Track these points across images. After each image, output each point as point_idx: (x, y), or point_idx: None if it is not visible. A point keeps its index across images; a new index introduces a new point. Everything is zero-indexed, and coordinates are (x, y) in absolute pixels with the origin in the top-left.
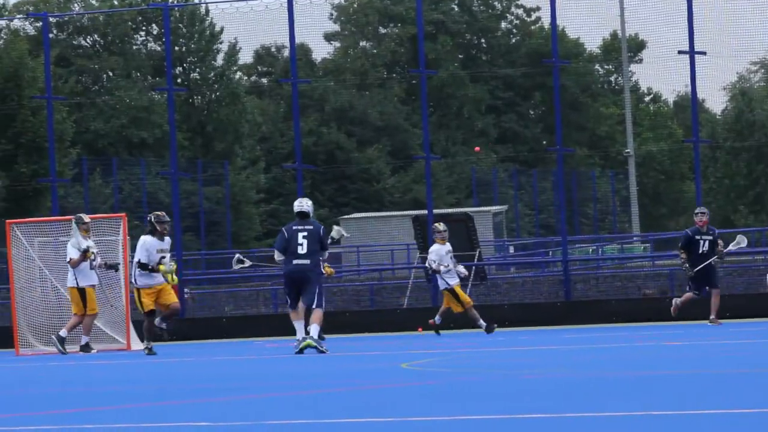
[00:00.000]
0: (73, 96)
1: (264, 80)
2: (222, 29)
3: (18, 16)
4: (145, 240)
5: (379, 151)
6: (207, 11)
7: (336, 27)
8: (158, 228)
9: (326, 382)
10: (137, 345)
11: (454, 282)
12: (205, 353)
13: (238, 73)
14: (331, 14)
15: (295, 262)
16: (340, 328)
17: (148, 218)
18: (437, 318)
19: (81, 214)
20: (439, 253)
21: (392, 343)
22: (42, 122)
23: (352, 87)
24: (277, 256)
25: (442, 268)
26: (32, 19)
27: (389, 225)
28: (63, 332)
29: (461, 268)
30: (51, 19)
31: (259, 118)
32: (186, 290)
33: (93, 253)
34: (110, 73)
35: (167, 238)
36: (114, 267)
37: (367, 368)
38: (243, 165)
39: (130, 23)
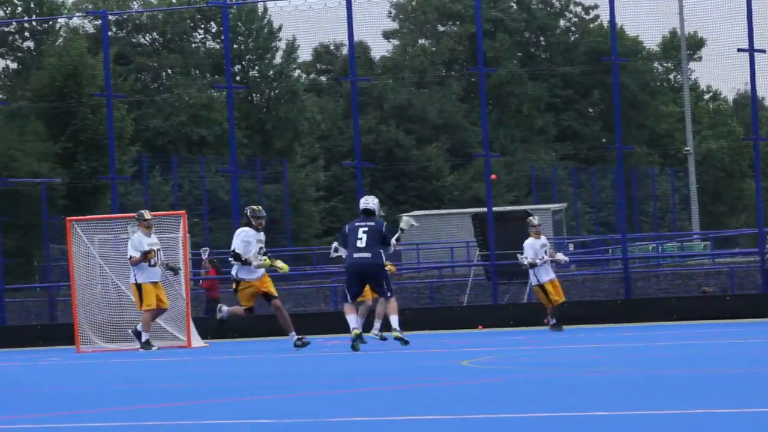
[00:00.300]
0: (133, 94)
1: (323, 78)
2: (280, 27)
3: (77, 14)
4: (246, 230)
5: (438, 149)
6: (265, 9)
7: (395, 25)
8: (254, 222)
9: (386, 379)
10: (198, 342)
11: (547, 278)
12: (266, 350)
13: (297, 71)
14: (390, 12)
15: (355, 255)
16: (400, 325)
17: (245, 212)
18: (551, 319)
19: (143, 211)
20: (534, 246)
21: (452, 341)
22: (102, 120)
23: (411, 85)
24: (334, 252)
25: (537, 261)
26: (91, 17)
27: (449, 223)
28: (140, 326)
29: (561, 256)
30: (110, 17)
31: (318, 116)
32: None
33: (154, 251)
34: (169, 71)
35: (263, 233)
36: (174, 270)
37: (428, 366)
38: (302, 163)
39: (188, 21)
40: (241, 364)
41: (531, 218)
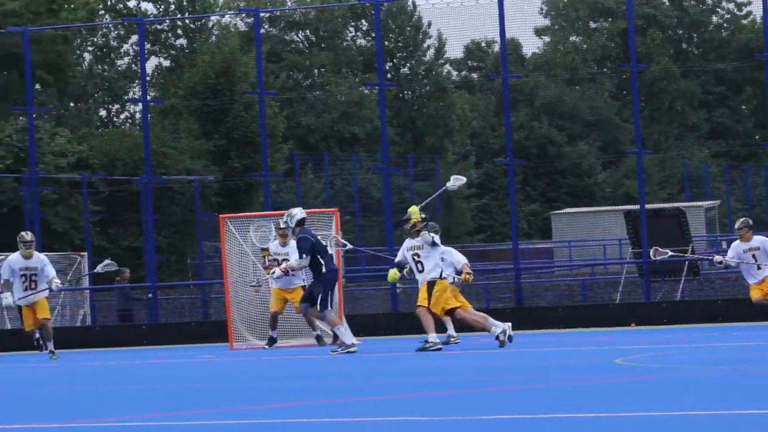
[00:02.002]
0: (285, 91)
1: (474, 75)
2: (430, 23)
3: (230, 12)
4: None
5: (590, 146)
6: (414, 6)
7: (546, 22)
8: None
9: (537, 377)
10: (351, 340)
11: (753, 281)
12: (411, 348)
13: (447, 68)
14: (542, 9)
15: (334, 262)
16: (552, 323)
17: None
18: None
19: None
20: (737, 249)
21: (605, 339)
22: (254, 117)
23: (563, 82)
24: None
25: (732, 262)
26: (244, 15)
27: (601, 220)
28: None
29: (718, 258)
30: (262, 15)
31: (469, 113)
32: (397, 285)
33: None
34: (321, 69)
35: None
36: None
37: (581, 363)
38: (454, 160)
39: (340, 19)
40: (391, 362)
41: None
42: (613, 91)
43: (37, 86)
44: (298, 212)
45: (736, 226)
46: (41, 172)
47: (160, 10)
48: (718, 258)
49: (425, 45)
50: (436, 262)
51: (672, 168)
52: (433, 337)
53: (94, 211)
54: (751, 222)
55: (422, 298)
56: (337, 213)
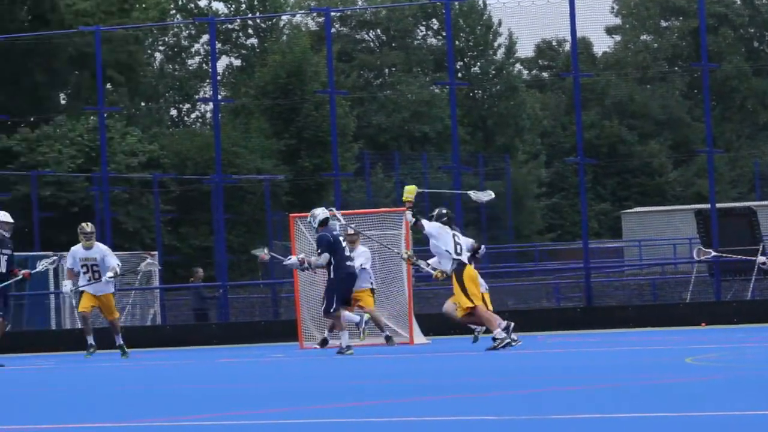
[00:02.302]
0: (355, 91)
1: (545, 74)
2: (500, 22)
3: (301, 11)
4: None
5: (661, 145)
6: (485, 5)
7: (617, 21)
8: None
9: (608, 376)
10: (420, 338)
11: None
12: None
13: (518, 67)
14: (613, 8)
15: (348, 264)
16: (622, 322)
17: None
18: None
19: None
20: None
21: (675, 338)
22: (324, 117)
23: (633, 81)
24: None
25: None
26: (315, 15)
27: (672, 219)
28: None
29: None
30: (333, 14)
31: (539, 112)
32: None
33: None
34: (392, 68)
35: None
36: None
37: (651, 363)
38: (524, 159)
39: (410, 18)
40: (461, 361)
41: None
42: (684, 90)
43: (109, 86)
44: (321, 212)
45: None
46: (112, 171)
47: (231, 9)
48: (761, 258)
49: (496, 44)
50: (439, 253)
51: (743, 167)
52: (498, 332)
53: (165, 211)
54: None
55: (464, 301)
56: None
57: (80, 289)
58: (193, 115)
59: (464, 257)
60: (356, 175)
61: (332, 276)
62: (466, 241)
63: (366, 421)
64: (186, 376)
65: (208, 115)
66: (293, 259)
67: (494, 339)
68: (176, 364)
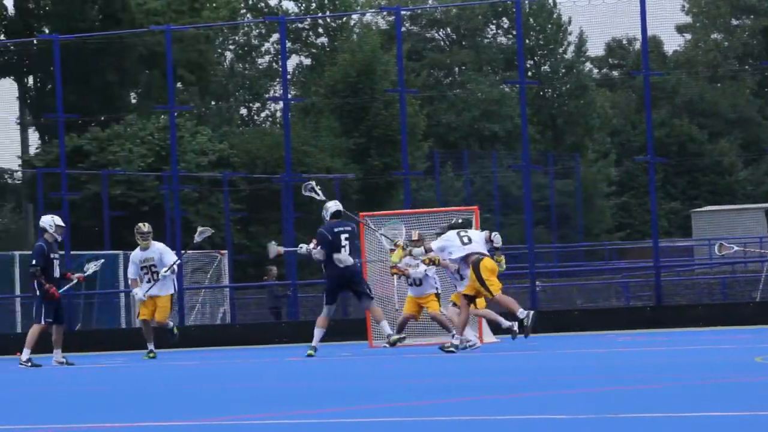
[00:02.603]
0: (425, 89)
1: (615, 73)
2: (570, 21)
3: (371, 10)
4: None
5: (731, 144)
6: (555, 4)
7: (688, 19)
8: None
9: (677, 375)
10: (489, 338)
11: None
12: (555, 346)
13: (588, 66)
14: (683, 6)
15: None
16: (692, 321)
17: None
18: None
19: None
20: None
21: (745, 337)
22: (394, 115)
23: (704, 79)
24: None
25: None
26: (385, 13)
27: (742, 218)
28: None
29: None
30: (403, 13)
31: (609, 111)
32: (537, 283)
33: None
34: (462, 67)
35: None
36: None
37: (720, 362)
38: (594, 158)
39: (480, 17)
40: (528, 360)
41: None
42: (754, 89)
43: (179, 85)
44: (333, 205)
45: None
46: (182, 170)
47: (302, 8)
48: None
49: (566, 42)
50: (454, 259)
51: None
52: (521, 312)
53: (235, 209)
54: None
55: (485, 293)
56: (477, 211)
57: (148, 294)
58: (263, 114)
59: (478, 248)
60: (426, 173)
61: (324, 272)
62: (479, 235)
63: (431, 420)
64: (254, 374)
65: (278, 114)
66: (304, 249)
67: (518, 320)
68: (248, 363)
